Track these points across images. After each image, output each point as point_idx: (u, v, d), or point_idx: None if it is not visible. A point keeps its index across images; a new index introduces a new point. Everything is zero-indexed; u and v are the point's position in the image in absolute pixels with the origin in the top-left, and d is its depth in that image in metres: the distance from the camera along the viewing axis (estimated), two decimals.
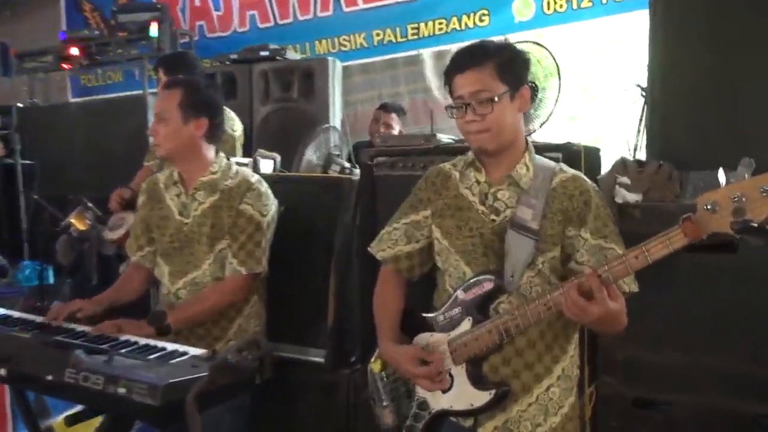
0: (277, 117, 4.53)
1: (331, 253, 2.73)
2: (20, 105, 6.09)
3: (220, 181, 2.50)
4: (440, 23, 5.72)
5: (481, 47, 1.91)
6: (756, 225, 1.49)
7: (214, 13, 6.59)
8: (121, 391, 1.73)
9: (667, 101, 2.68)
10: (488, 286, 1.88)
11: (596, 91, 4.45)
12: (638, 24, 3.63)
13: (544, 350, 1.92)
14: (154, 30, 5.49)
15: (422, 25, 5.74)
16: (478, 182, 1.97)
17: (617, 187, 2.49)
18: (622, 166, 2.55)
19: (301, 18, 6.16)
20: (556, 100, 2.67)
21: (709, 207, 1.57)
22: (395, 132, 4.57)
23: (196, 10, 6.66)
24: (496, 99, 1.83)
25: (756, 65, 2.53)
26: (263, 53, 4.61)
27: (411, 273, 2.08)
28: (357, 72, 6.10)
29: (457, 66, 1.89)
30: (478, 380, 1.89)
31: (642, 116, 2.84)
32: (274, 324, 2.68)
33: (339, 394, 2.73)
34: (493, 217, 1.93)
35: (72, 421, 2.03)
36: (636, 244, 1.89)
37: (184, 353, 2.01)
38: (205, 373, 1.75)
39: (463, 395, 1.91)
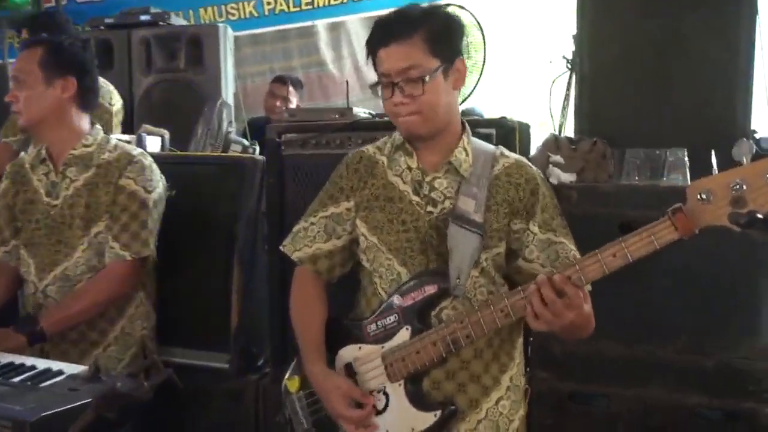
0: (161, 90, 4.07)
1: (234, 243, 2.39)
2: None
3: (96, 154, 2.11)
4: None
5: (406, 14, 1.62)
6: (761, 217, 1.28)
7: None
8: None
9: (596, 75, 2.49)
10: (430, 289, 1.63)
11: (518, 63, 4.25)
12: None
13: (491, 359, 1.69)
14: None
15: None
16: (409, 168, 1.70)
17: (550, 166, 2.29)
18: (554, 143, 2.33)
19: None
20: (481, 74, 2.40)
21: (703, 196, 1.37)
22: (293, 107, 4.24)
23: None
24: (428, 78, 1.57)
25: (692, 36, 2.37)
26: (144, 17, 4.10)
27: (331, 274, 1.80)
28: (247, 43, 5.70)
29: (379, 38, 1.61)
30: (419, 400, 1.64)
31: (568, 90, 2.62)
32: (168, 325, 2.34)
33: (245, 403, 2.41)
34: (429, 208, 1.67)
35: None
36: (574, 228, 1.73)
37: (59, 372, 1.64)
38: (87, 400, 1.39)
39: (402, 418, 1.64)
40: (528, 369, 2.15)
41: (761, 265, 2.05)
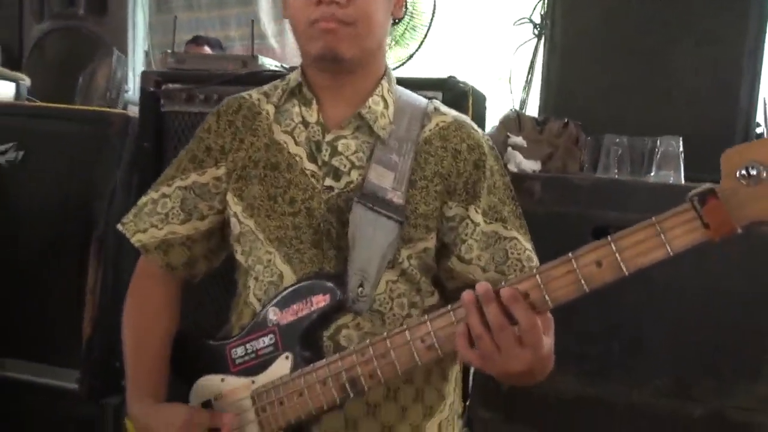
0: (55, 39, 3.51)
1: (91, 227, 1.88)
2: None
3: None
4: None
5: None
6: None
7: None
8: None
9: (570, 43, 2.12)
10: (320, 301, 1.14)
11: (474, 23, 3.86)
12: None
13: (412, 401, 1.21)
14: None
15: None
16: (305, 123, 1.22)
17: (509, 149, 1.86)
18: (515, 121, 1.90)
19: None
20: (429, 26, 2.06)
21: (752, 172, 0.84)
22: None
23: None
24: None
25: (691, 4, 2.03)
26: None
27: (191, 270, 1.30)
28: (179, 8, 5.19)
29: None
30: None
31: (533, 61, 2.26)
32: (4, 333, 1.92)
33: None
34: (329, 182, 1.19)
35: None
36: (535, 231, 1.25)
37: None
38: None
39: None
40: (467, 405, 1.76)
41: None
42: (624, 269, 0.91)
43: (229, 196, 1.25)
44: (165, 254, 1.27)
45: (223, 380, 1.19)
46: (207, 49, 3.89)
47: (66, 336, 1.92)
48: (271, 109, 1.26)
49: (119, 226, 1.31)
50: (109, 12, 3.49)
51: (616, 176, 1.87)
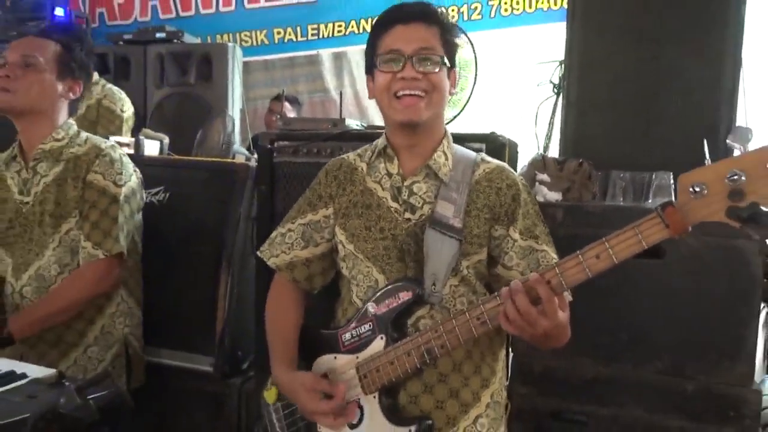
0: (172, 102, 3.77)
1: (222, 248, 2.05)
2: None
3: (65, 149, 1.77)
4: (339, 25, 5.18)
5: (430, 6, 1.37)
6: (766, 210, 0.98)
7: (115, 1, 5.68)
8: None
9: (583, 99, 2.19)
10: (405, 296, 1.32)
11: (505, 87, 3.97)
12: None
13: (472, 373, 1.37)
14: (59, 12, 4.49)
15: (322, 26, 5.24)
16: (389, 174, 1.41)
17: (537, 184, 1.98)
18: (541, 162, 2.03)
19: (202, 11, 5.48)
20: (470, 94, 2.19)
21: (696, 189, 1.05)
22: None
23: None
24: (446, 62, 1.34)
25: (675, 64, 2.08)
26: (159, 35, 3.80)
27: (310, 283, 1.49)
28: (258, 69, 5.41)
29: (400, 16, 1.34)
30: (394, 414, 1.33)
31: (553, 113, 2.32)
32: (156, 327, 2.01)
33: (228, 406, 2.06)
34: (408, 215, 1.38)
35: None
36: (558, 247, 1.41)
37: (23, 376, 1.31)
38: (44, 410, 1.07)
39: None
40: (508, 383, 1.81)
41: (746, 290, 1.74)
42: (615, 259, 1.12)
43: (336, 229, 1.43)
44: (291, 271, 1.47)
45: (335, 357, 1.38)
46: (287, 105, 4.13)
47: (203, 331, 2.05)
48: (364, 165, 1.45)
49: (258, 253, 1.52)
50: (213, 79, 3.70)
51: (621, 203, 1.96)
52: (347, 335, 1.37)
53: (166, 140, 2.48)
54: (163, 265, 2.02)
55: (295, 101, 4.34)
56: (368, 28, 5.01)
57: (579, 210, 1.90)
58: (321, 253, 1.47)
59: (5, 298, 1.79)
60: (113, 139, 2.12)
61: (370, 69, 1.40)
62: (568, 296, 1.32)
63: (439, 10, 1.39)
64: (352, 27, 5.12)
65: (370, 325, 1.35)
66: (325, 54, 5.30)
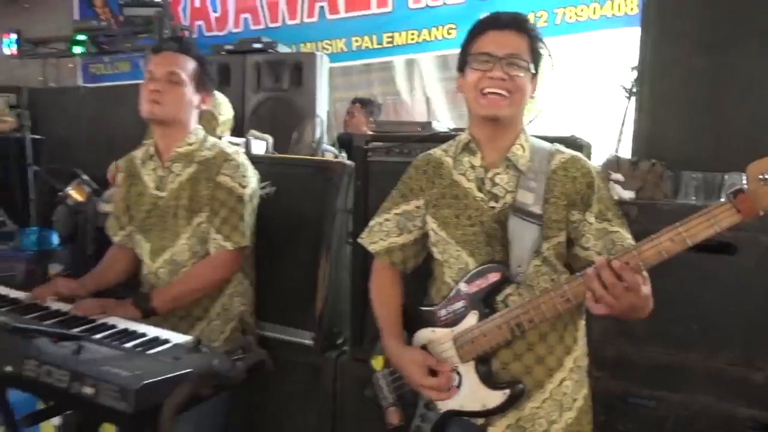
0: (267, 105, 3.91)
1: (321, 236, 2.13)
2: (32, 87, 5.37)
3: (197, 152, 1.89)
4: (412, 34, 5.21)
5: (525, 18, 1.42)
6: None
7: (212, 14, 5.96)
8: (88, 391, 1.16)
9: (655, 103, 2.16)
10: (494, 277, 1.40)
11: (578, 91, 3.93)
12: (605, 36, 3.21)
13: (556, 342, 1.44)
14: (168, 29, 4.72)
15: (396, 34, 5.27)
16: (473, 167, 1.47)
17: (611, 183, 1.97)
18: (615, 163, 2.02)
19: (289, 22, 5.64)
20: (546, 98, 2.13)
21: (765, 177, 1.09)
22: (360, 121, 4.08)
23: (195, 10, 6.03)
24: (531, 69, 1.39)
25: (746, 66, 2.03)
26: (256, 45, 3.97)
27: (405, 265, 1.58)
28: (337, 74, 5.49)
29: (496, 23, 1.40)
30: (489, 379, 1.42)
31: (625, 116, 2.28)
32: (264, 304, 2.11)
33: (325, 376, 2.15)
34: (492, 203, 1.44)
35: (30, 421, 1.41)
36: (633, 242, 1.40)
37: (166, 341, 1.44)
38: (186, 371, 1.20)
39: (474, 395, 1.41)
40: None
41: None
42: (688, 242, 1.16)
43: (428, 218, 1.51)
44: (389, 256, 1.55)
45: (433, 331, 1.46)
46: (359, 107, 4.22)
47: (305, 310, 2.14)
48: (449, 160, 1.51)
49: (359, 240, 1.61)
50: (304, 84, 3.82)
51: (694, 202, 1.92)
52: (443, 311, 1.46)
53: (271, 140, 2.59)
54: (271, 250, 2.11)
55: (369, 103, 4.39)
56: (439, 36, 5.06)
57: (653, 208, 1.87)
58: (414, 239, 1.55)
59: (142, 277, 1.94)
60: (227, 138, 2.24)
61: (462, 66, 1.45)
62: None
63: (530, 22, 1.43)
64: (424, 35, 5.15)
65: (463, 303, 1.42)
66: (398, 61, 5.39)
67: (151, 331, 1.51)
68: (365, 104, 4.39)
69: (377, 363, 1.52)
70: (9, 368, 1.28)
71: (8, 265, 3.96)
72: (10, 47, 5.58)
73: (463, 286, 1.42)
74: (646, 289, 1.24)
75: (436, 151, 1.57)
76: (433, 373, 1.41)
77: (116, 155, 3.38)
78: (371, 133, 2.07)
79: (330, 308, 2.15)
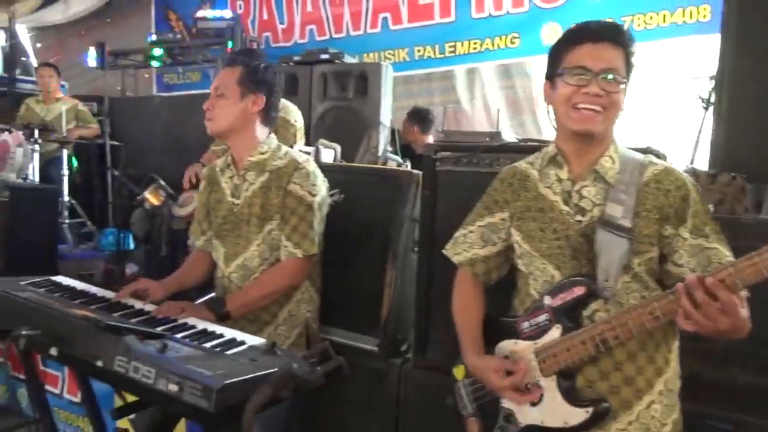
0: (332, 114, 3.95)
1: (388, 244, 2.14)
2: (113, 96, 5.73)
3: (269, 161, 1.92)
4: (475, 43, 5.20)
5: (622, 28, 1.37)
6: None
7: (279, 26, 6.13)
8: (173, 388, 1.21)
9: (733, 113, 2.10)
10: (579, 291, 1.35)
11: (649, 100, 3.81)
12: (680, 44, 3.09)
13: (647, 363, 1.36)
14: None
15: (458, 44, 5.28)
16: (559, 180, 1.42)
17: None
18: (692, 175, 1.93)
19: (353, 33, 5.76)
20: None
21: None
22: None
23: (263, 22, 6.23)
24: (626, 84, 1.32)
25: None
26: (323, 56, 4.03)
27: (488, 277, 1.55)
28: (399, 83, 5.52)
29: (591, 34, 1.34)
30: (571, 396, 1.36)
31: (702, 127, 2.19)
32: (330, 309, 2.13)
33: (389, 382, 2.15)
34: (578, 217, 1.38)
35: (117, 415, 1.48)
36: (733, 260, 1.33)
37: (242, 342, 1.48)
38: (264, 372, 1.24)
39: (555, 411, 1.36)
40: None
41: None
42: None
43: (512, 230, 1.48)
44: (472, 267, 1.53)
45: (515, 343, 1.42)
46: (409, 118, 4.24)
47: (370, 316, 2.14)
48: (535, 173, 1.47)
49: (444, 251, 1.60)
50: (368, 93, 3.83)
51: None
52: (526, 324, 1.42)
53: (339, 149, 2.63)
54: (338, 257, 2.12)
55: (426, 113, 4.40)
56: (502, 45, 5.02)
57: (734, 222, 1.77)
58: (498, 251, 1.52)
59: (217, 280, 2.01)
60: (298, 147, 2.28)
61: (550, 76, 1.41)
62: (744, 293, 1.25)
63: (627, 32, 1.37)
64: (487, 44, 5.12)
65: (547, 316, 1.38)
66: (459, 70, 5.39)
67: (228, 333, 1.55)
68: (417, 116, 4.41)
69: (459, 372, 1.51)
70: (99, 363, 1.35)
71: (89, 264, 4.19)
72: (94, 59, 5.92)
73: (547, 299, 1.38)
74: (744, 311, 1.17)
75: (522, 164, 1.53)
76: (510, 374, 1.39)
77: (187, 160, 3.54)
78: (439, 143, 2.05)
79: (395, 315, 2.15)
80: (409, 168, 2.54)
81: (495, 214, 1.52)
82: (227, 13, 5.50)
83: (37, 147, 4.45)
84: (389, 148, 2.94)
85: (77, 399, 2.73)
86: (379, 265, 2.14)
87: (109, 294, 1.83)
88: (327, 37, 5.82)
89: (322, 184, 1.95)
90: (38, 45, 7.26)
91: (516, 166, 1.54)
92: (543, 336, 1.38)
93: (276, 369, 1.28)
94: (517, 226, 1.47)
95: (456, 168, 2.01)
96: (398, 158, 2.72)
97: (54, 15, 7.19)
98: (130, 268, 3.98)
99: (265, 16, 6.19)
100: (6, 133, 4.25)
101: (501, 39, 5.02)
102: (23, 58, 6.39)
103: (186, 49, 5.63)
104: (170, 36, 5.78)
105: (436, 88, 5.65)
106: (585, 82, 1.31)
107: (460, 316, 1.55)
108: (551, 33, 4.71)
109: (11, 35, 5.95)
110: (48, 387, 2.79)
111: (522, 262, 1.48)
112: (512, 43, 4.95)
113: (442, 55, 5.34)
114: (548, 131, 5.01)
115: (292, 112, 3.17)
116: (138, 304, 1.78)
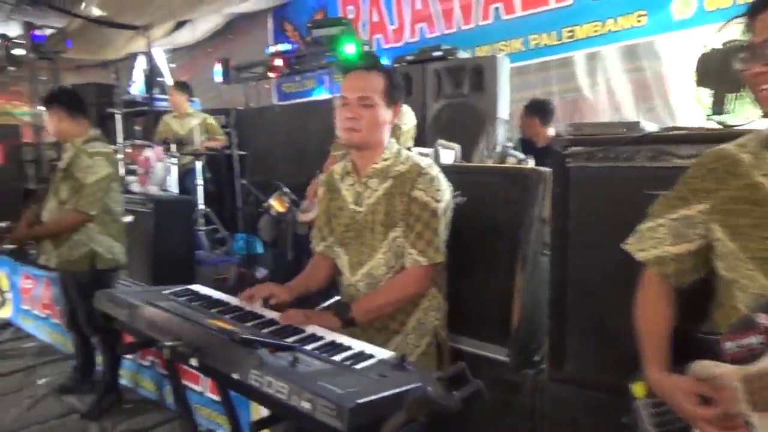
0: (448, 112, 3.84)
1: (515, 247, 2.01)
2: (238, 108, 6.01)
3: (391, 167, 1.86)
4: (595, 26, 4.84)
5: None
6: None
7: (389, 27, 6.14)
8: (305, 405, 1.19)
9: None
10: None
11: None
12: None
13: None
14: (350, 48, 4.95)
15: (577, 28, 4.95)
16: None
17: None
18: None
19: (463, 27, 5.62)
20: None
21: None
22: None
23: (374, 24, 6.27)
24: None
25: None
26: (436, 54, 3.94)
27: (679, 279, 1.31)
28: (513, 75, 5.23)
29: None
30: None
31: None
32: (458, 316, 2.03)
33: (521, 395, 2.02)
34: None
35: (255, 428, 1.50)
36: None
37: (371, 356, 1.44)
38: (397, 390, 1.21)
39: None
40: None
41: None
42: None
43: (715, 226, 1.23)
44: (660, 266, 1.31)
45: (717, 366, 1.17)
46: (527, 111, 4.00)
47: (499, 323, 2.03)
48: (748, 157, 1.21)
49: (623, 246, 1.37)
50: (485, 88, 3.70)
51: None
52: (730, 344, 1.16)
53: (459, 149, 2.53)
54: (463, 261, 2.02)
55: (542, 104, 4.14)
56: (627, 25, 4.63)
57: None
58: (694, 249, 1.28)
59: (343, 288, 1.99)
60: (416, 150, 2.21)
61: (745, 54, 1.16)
62: None
63: None
64: (609, 25, 4.75)
65: (760, 338, 1.12)
66: (579, 55, 5.04)
67: (356, 345, 1.52)
68: (536, 107, 4.17)
69: (638, 389, 1.30)
70: (236, 376, 1.36)
71: (223, 268, 4.44)
72: (220, 74, 6.29)
73: (761, 318, 1.12)
74: None
75: (729, 146, 1.26)
76: (707, 402, 1.15)
77: (307, 165, 3.63)
78: (556, 137, 1.88)
79: (526, 323, 2.02)
80: (532, 165, 2.36)
81: (692, 206, 1.27)
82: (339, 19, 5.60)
83: (174, 160, 4.79)
84: (509, 144, 2.77)
85: (218, 398, 2.86)
86: (506, 270, 2.02)
87: (233, 301, 1.88)
88: (437, 33, 5.73)
89: (446, 189, 1.87)
90: (172, 65, 7.86)
91: (723, 149, 1.26)
92: (755, 361, 1.12)
93: (407, 387, 1.22)
94: (720, 221, 1.22)
95: (589, 164, 1.83)
96: (520, 154, 2.56)
97: (184, 36, 7.75)
98: (260, 272, 4.16)
99: (376, 18, 6.22)
100: (148, 149, 4.61)
101: (626, 18, 4.64)
102: (159, 78, 6.94)
103: (302, 58, 5.80)
104: (287, 47, 5.98)
105: (554, 77, 5.30)
106: None
107: (643, 324, 1.32)
108: (682, 6, 4.27)
109: (149, 58, 6.47)
110: (192, 385, 2.95)
111: (723, 265, 1.23)
112: (639, 21, 4.55)
113: (559, 42, 5.04)
114: (682, 116, 4.58)
115: (404, 114, 3.11)
116: (266, 313, 1.80)
